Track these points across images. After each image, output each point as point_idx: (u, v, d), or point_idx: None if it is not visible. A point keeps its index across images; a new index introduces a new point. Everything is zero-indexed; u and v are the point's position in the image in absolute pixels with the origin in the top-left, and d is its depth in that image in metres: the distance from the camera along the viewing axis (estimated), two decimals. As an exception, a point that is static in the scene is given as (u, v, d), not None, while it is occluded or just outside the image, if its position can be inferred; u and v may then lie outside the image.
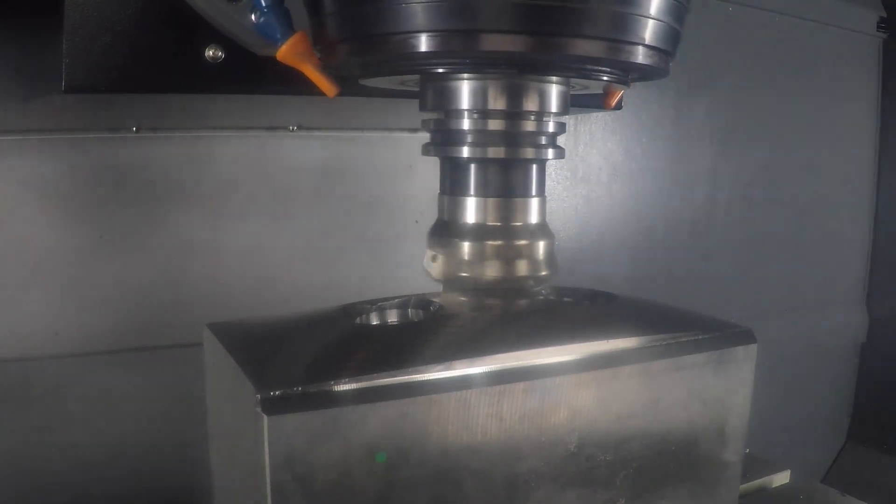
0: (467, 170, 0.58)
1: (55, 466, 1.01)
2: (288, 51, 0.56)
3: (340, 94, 0.59)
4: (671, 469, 0.72)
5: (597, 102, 0.81)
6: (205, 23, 0.59)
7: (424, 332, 0.74)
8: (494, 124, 0.56)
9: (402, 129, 1.19)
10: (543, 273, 0.59)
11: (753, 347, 0.74)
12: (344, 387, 0.56)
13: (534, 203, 0.59)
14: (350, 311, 0.76)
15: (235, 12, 0.59)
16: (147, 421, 1.03)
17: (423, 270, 1.21)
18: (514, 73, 0.55)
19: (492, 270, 0.58)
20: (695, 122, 1.66)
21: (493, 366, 0.62)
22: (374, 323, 0.76)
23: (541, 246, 0.59)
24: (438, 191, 0.62)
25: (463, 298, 0.71)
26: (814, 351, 2.02)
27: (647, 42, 0.51)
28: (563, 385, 0.64)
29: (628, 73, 0.56)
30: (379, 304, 0.78)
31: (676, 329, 0.73)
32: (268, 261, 1.11)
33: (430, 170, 1.21)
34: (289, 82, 0.62)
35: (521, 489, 0.64)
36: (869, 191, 2.08)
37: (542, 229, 0.60)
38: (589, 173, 1.50)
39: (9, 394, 0.99)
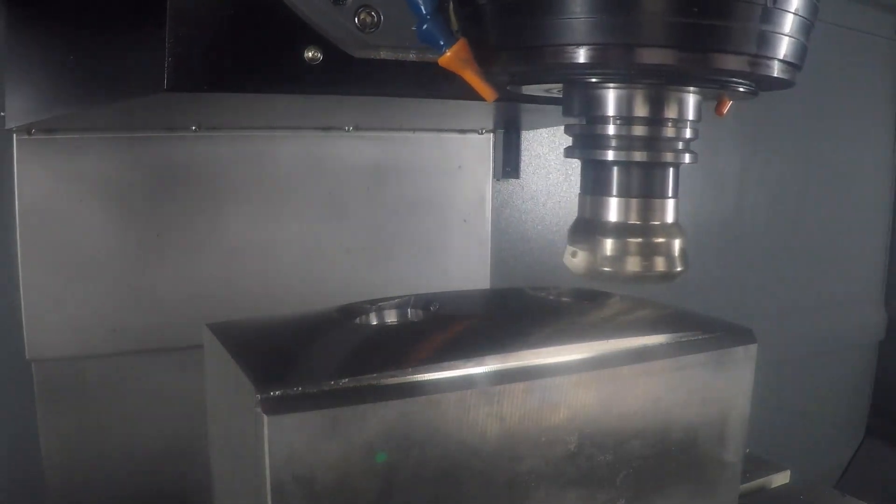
0: (610, 172, 0.62)
1: (111, 464, 1.01)
2: (452, 57, 0.58)
3: (498, 99, 0.61)
4: (671, 469, 0.72)
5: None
6: (304, 24, 0.60)
7: (424, 332, 0.74)
8: (638, 130, 0.61)
9: (451, 131, 1.21)
10: (678, 269, 0.63)
11: (753, 347, 0.75)
12: (344, 387, 0.56)
13: (670, 203, 0.63)
14: (350, 311, 0.76)
15: (339, 15, 0.60)
16: (205, 419, 1.03)
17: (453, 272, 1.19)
18: (662, 84, 0.59)
19: (632, 266, 0.62)
20: (724, 126, 1.67)
21: (493, 366, 0.62)
22: (374, 323, 0.77)
23: (676, 244, 0.63)
24: (579, 191, 0.66)
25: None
26: (833, 349, 2.03)
27: (784, 58, 0.56)
28: (563, 385, 0.64)
29: (762, 85, 0.61)
30: (379, 304, 0.78)
31: (676, 329, 0.73)
32: (321, 259, 1.12)
33: (477, 171, 1.24)
34: (382, 84, 0.63)
35: (521, 489, 0.64)
36: (887, 191, 2.09)
37: (678, 228, 0.64)
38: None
39: (65, 392, 0.98)
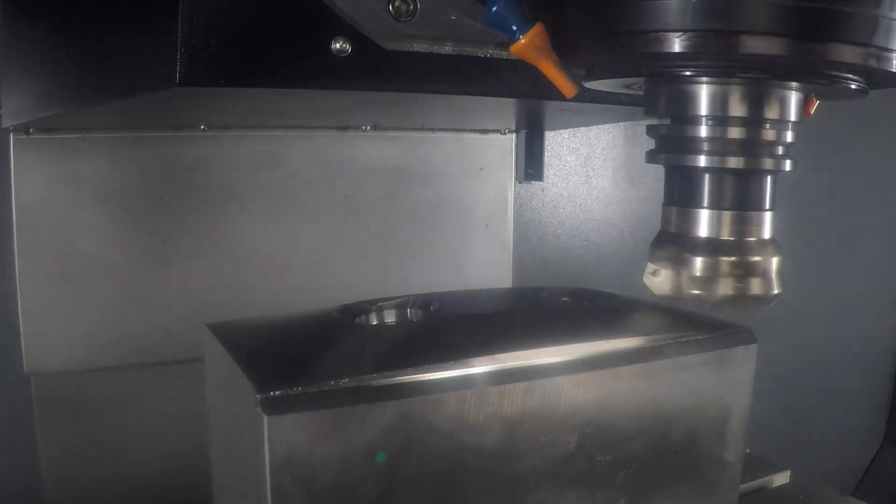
0: (701, 180, 0.55)
1: (114, 482, 0.98)
2: (527, 45, 0.50)
3: (574, 98, 0.54)
4: (671, 469, 0.72)
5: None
6: (332, 12, 0.54)
7: (424, 332, 0.74)
8: (734, 132, 0.53)
9: (473, 131, 1.17)
10: (776, 292, 0.57)
11: (753, 347, 0.74)
12: (344, 387, 0.56)
13: (768, 217, 0.57)
14: (350, 311, 0.76)
15: (372, 2, 0.54)
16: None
17: (480, 277, 1.15)
18: (766, 79, 0.52)
19: (724, 288, 0.55)
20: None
21: (493, 366, 0.62)
22: (374, 323, 0.77)
23: (774, 263, 0.56)
24: (663, 201, 0.59)
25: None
26: (850, 354, 2.01)
27: None
28: (563, 385, 0.64)
29: (876, 83, 0.54)
30: (379, 304, 0.78)
31: (676, 329, 0.73)
32: (337, 265, 1.08)
33: (500, 173, 1.21)
34: (415, 79, 0.58)
35: (521, 489, 0.64)
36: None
37: (776, 245, 0.58)
38: (644, 176, 1.49)
39: (66, 407, 0.95)
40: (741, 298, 0.55)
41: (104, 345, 0.96)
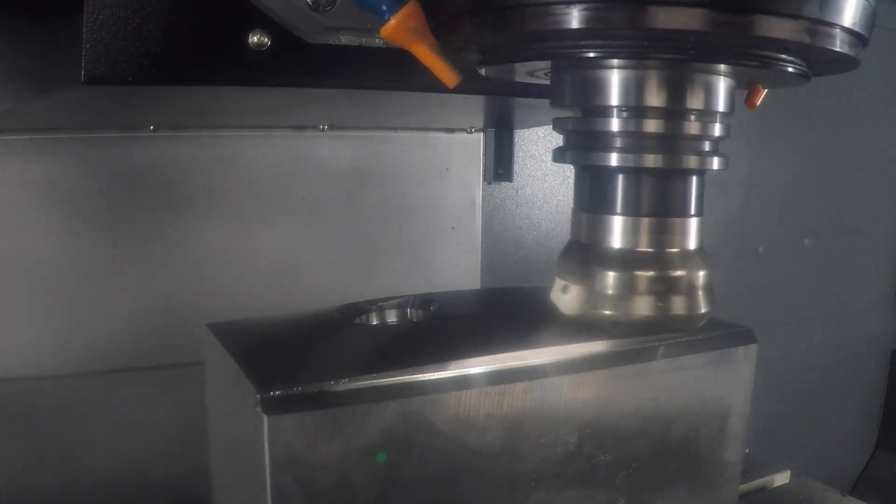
0: (614, 182, 0.48)
1: (65, 489, 0.95)
2: (398, 26, 0.44)
3: (464, 89, 0.48)
4: (671, 469, 0.72)
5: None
6: (248, 4, 0.51)
7: (424, 332, 0.74)
8: (651, 125, 0.46)
9: (438, 130, 1.13)
10: (702, 311, 0.49)
11: (753, 347, 0.74)
12: (344, 387, 0.56)
13: (692, 224, 0.49)
14: (350, 311, 0.76)
15: None
16: (164, 443, 0.95)
17: (454, 281, 1.12)
18: (685, 61, 0.43)
19: (642, 308, 0.48)
20: (731, 125, 1.64)
21: (493, 366, 0.62)
22: (374, 323, 0.77)
23: (700, 277, 0.49)
24: (573, 206, 0.51)
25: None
26: (844, 357, 2.01)
27: (852, 26, 0.41)
28: (562, 385, 0.64)
29: (818, 66, 0.46)
30: (379, 304, 0.78)
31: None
32: (296, 270, 1.05)
33: (467, 173, 1.17)
34: (342, 75, 0.55)
35: (521, 489, 0.64)
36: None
37: (702, 256, 0.50)
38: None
39: (15, 415, 0.92)
40: (662, 319, 0.48)
41: (53, 352, 0.93)
